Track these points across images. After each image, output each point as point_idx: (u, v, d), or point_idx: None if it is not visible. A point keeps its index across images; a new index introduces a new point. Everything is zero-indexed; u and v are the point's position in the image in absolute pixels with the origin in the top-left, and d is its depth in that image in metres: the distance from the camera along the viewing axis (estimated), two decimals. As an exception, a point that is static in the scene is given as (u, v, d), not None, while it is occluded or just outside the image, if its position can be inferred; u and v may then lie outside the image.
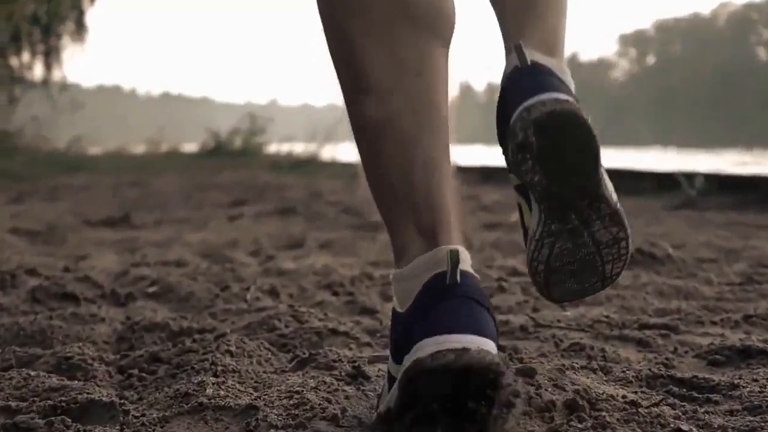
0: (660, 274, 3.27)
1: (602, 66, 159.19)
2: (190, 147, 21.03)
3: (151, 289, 2.92)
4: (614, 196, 1.70)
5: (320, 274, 3.13)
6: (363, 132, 1.64)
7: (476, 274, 1.59)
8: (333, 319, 2.30)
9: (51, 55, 26.07)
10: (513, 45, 1.71)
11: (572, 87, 1.76)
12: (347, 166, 13.72)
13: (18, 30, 16.91)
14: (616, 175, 7.31)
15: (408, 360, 1.48)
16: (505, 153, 1.71)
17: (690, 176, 8.11)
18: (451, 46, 1.66)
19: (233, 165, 15.04)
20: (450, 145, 1.66)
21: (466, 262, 1.58)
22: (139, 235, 5.21)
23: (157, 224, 5.82)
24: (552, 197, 1.64)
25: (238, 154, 17.65)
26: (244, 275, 3.05)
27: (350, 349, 2.09)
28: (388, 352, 1.69)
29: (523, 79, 1.67)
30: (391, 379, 1.58)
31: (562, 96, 1.64)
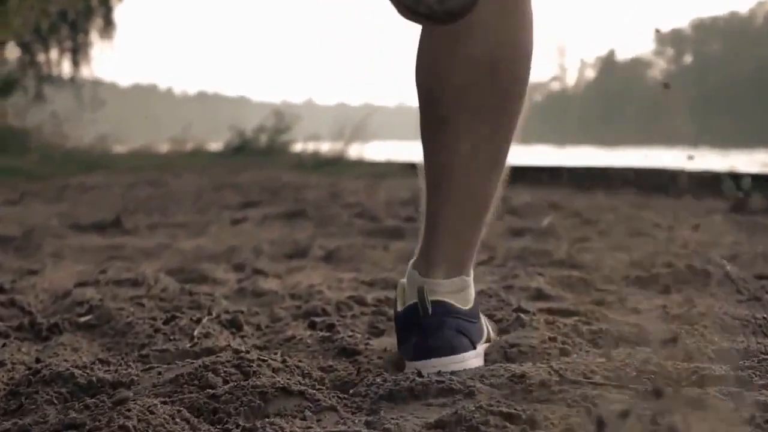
0: (717, 298, 2.69)
1: (639, 65, 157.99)
2: (217, 145, 20.60)
3: (84, 319, 2.37)
4: None
5: (302, 297, 2.57)
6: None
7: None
8: (292, 370, 1.73)
9: (78, 52, 25.77)
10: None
11: None
12: (374, 165, 13.20)
13: (38, 26, 16.37)
14: (653, 174, 6.70)
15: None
16: None
17: (736, 177, 7.51)
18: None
19: (257, 164, 14.56)
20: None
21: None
22: (127, 242, 4.71)
23: (151, 229, 5.31)
24: None
25: (264, 152, 17.16)
26: (203, 301, 2.47)
27: (304, 418, 1.51)
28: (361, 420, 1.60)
29: None
30: None
31: None
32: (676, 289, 2.75)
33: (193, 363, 1.74)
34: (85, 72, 26.43)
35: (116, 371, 1.80)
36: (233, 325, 2.17)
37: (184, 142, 20.35)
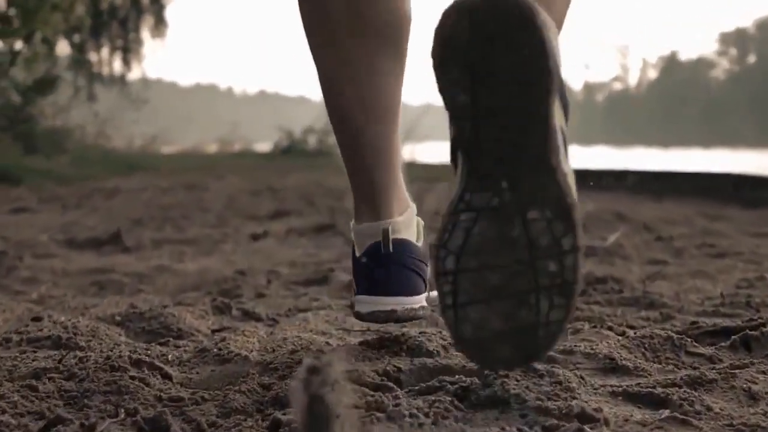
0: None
1: (702, 65, 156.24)
2: (266, 146, 20.09)
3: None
4: (570, 179, 1.38)
5: (280, 367, 1.81)
6: (333, 114, 1.93)
7: (408, 239, 1.93)
8: None
9: (129, 51, 25.36)
10: None
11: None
12: (427, 168, 12.47)
13: (81, 24, 15.89)
14: (717, 178, 5.88)
15: (353, 306, 1.93)
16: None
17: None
18: (405, 50, 1.90)
19: (304, 166, 13.92)
20: (397, 131, 1.95)
21: (402, 230, 1.92)
22: (120, 263, 4.04)
23: (156, 246, 4.63)
24: (479, 136, 1.36)
25: (312, 154, 16.53)
26: (127, 384, 1.68)
27: None
28: None
29: None
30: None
31: None
32: (731, 349, 2.01)
33: None
34: (136, 71, 26.04)
35: None
36: (153, 432, 1.44)
37: (232, 143, 19.87)
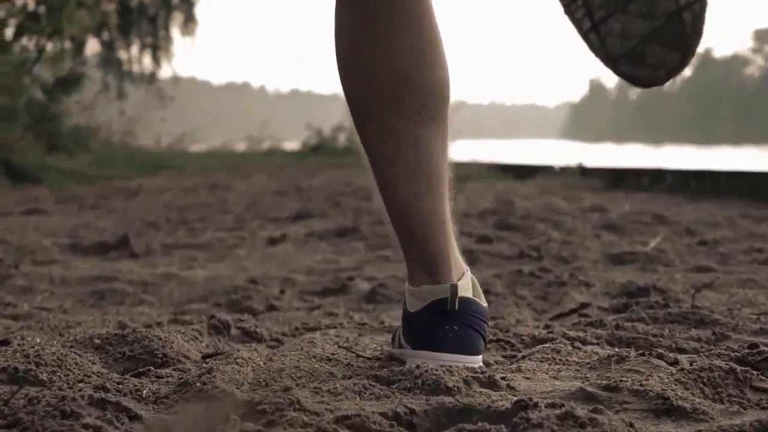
0: None
1: (736, 62, 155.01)
2: (295, 144, 19.82)
3: None
4: None
5: (264, 417, 1.51)
6: (380, 185, 1.90)
7: (472, 297, 1.87)
8: None
9: (159, 48, 25.19)
10: None
11: None
12: (458, 166, 12.16)
13: (108, 21, 15.71)
14: (760, 178, 5.52)
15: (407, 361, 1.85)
16: None
17: None
18: (447, 114, 1.88)
19: (332, 165, 13.64)
20: (447, 198, 1.90)
21: (464, 288, 1.87)
22: (125, 270, 3.79)
23: (166, 251, 4.37)
24: None
25: (341, 152, 16.25)
26: None
27: None
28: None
29: None
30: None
31: None
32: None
33: None
34: (167, 69, 25.87)
35: None
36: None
37: (261, 142, 19.61)
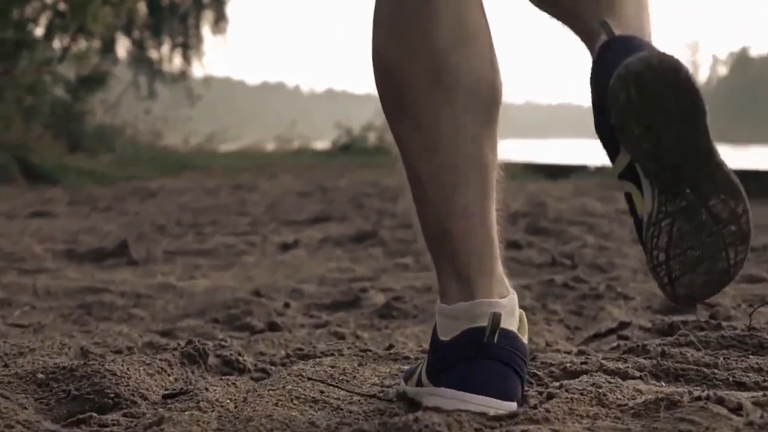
0: None
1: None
2: (325, 144, 19.55)
3: None
4: (729, 166, 1.62)
5: None
6: (413, 181, 1.72)
7: (514, 331, 1.65)
8: None
9: (189, 47, 24.99)
10: (597, 22, 1.66)
11: None
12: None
13: (134, 18, 15.52)
14: None
15: (424, 400, 1.64)
16: (603, 133, 1.64)
17: None
18: (496, 107, 1.71)
19: (361, 164, 13.32)
20: (494, 190, 1.71)
21: (505, 319, 1.64)
22: (119, 280, 3.48)
23: (168, 258, 4.06)
24: (663, 166, 1.58)
25: (371, 151, 15.92)
26: None
27: None
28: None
29: (614, 48, 1.62)
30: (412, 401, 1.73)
31: (657, 50, 1.60)
32: None
33: None
34: (198, 68, 25.70)
35: None
36: None
37: (291, 141, 19.35)
